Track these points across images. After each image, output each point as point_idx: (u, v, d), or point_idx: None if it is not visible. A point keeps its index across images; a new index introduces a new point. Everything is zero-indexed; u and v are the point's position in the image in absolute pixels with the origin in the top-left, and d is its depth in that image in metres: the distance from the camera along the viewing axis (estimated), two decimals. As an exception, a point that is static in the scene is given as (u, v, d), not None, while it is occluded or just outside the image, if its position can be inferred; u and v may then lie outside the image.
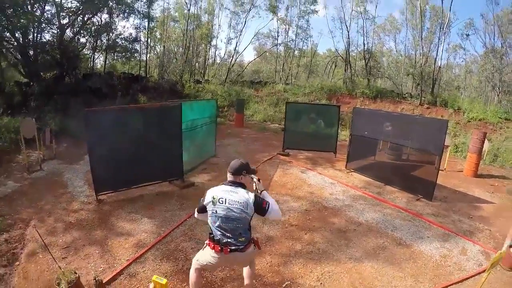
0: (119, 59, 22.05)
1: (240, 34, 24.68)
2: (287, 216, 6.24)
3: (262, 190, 3.16)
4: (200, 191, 7.06)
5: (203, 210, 3.05)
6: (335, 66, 25.55)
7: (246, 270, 3.54)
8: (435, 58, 19.83)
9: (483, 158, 12.94)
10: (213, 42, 25.95)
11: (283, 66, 24.68)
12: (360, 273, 4.75)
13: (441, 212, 7.61)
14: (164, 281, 1.98)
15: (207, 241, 3.09)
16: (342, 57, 23.43)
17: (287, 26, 24.54)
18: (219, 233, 2.94)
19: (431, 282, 4.78)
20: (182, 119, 7.13)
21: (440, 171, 10.64)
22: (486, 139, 13.05)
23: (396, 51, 23.83)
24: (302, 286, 4.30)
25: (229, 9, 24.49)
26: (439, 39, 19.72)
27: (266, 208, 2.94)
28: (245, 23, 24.41)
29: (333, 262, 4.95)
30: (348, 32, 21.97)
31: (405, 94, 19.49)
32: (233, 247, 2.94)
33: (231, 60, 24.83)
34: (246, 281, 3.57)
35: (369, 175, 9.11)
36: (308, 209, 6.79)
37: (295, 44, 25.05)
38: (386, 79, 23.38)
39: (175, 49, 24.80)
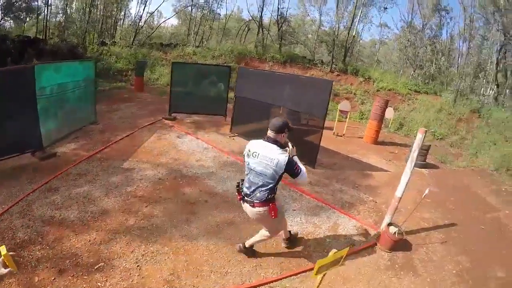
0: (15, 20, 18.82)
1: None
2: (134, 186, 5.29)
3: (294, 155, 3.11)
4: (61, 161, 6.10)
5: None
6: (248, 29, 24.12)
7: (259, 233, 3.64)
8: (350, 27, 19.63)
9: (388, 126, 12.82)
10: (128, 3, 23.07)
11: (198, 29, 22.74)
12: (190, 254, 3.88)
13: (321, 181, 6.33)
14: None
15: None
16: (255, 21, 22.30)
17: None
18: (247, 184, 3.19)
19: (277, 268, 3.82)
20: (46, 83, 6.34)
21: (338, 137, 10.14)
22: (391, 108, 12.72)
23: (319, 21, 22.95)
24: (115, 268, 3.54)
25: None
26: (354, 10, 19.46)
27: (298, 172, 3.00)
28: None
29: (163, 241, 4.07)
30: None
31: (316, 61, 18.79)
32: (246, 198, 3.20)
33: (139, 21, 22.04)
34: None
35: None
36: (163, 177, 5.75)
37: (209, 5, 23.11)
38: (303, 47, 22.91)
39: (80, 9, 21.07)
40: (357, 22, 19.70)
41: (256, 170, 3.06)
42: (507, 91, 14.55)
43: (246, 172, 3.22)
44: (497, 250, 5.22)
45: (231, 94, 9.40)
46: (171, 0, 29.98)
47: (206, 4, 22.67)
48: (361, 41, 25.27)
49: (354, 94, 15.77)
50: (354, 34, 19.83)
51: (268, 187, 3.07)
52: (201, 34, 22.61)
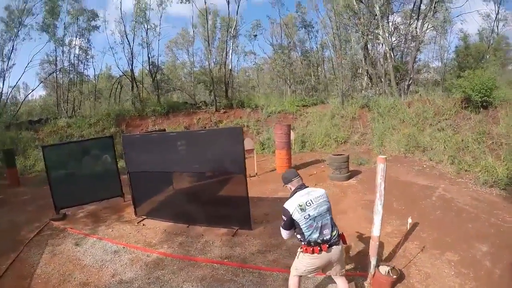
0: None
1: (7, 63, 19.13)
2: None
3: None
4: None
5: (291, 225, 3.29)
6: (121, 87, 22.97)
7: (341, 283, 3.58)
8: (225, 62, 20.56)
9: (292, 148, 12.93)
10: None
11: (67, 97, 20.60)
12: None
13: (269, 242, 5.53)
14: None
15: (301, 249, 3.35)
16: (126, 76, 21.38)
17: (64, 47, 20.41)
18: (317, 234, 3.22)
19: None
20: None
21: (252, 178, 9.59)
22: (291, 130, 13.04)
23: (190, 62, 24.09)
24: None
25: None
26: (226, 43, 20.57)
27: None
28: (12, 49, 18.94)
29: None
30: (131, 46, 20.14)
31: (199, 104, 19.00)
32: (331, 242, 3.26)
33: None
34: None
35: (167, 217, 7.09)
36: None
37: (74, 68, 21.15)
38: (183, 93, 22.96)
39: None
40: (230, 55, 20.71)
41: (321, 212, 3.25)
42: (379, 79, 16.55)
43: (308, 225, 3.22)
44: (464, 227, 5.57)
45: (122, 162, 8.46)
46: (34, 69, 27.21)
47: (72, 67, 20.86)
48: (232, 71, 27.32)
49: (247, 126, 15.93)
50: (231, 68, 20.69)
51: (333, 219, 3.39)
52: (72, 101, 20.81)
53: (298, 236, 3.29)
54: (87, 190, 8.25)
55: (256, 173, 10.12)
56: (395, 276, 3.93)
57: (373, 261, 4.15)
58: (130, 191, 7.42)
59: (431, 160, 9.41)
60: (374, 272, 4.06)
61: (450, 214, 6.14)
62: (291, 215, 3.19)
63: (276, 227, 5.86)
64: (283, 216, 3.29)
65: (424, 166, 9.24)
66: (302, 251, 3.31)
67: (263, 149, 14.04)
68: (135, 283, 4.73)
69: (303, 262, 3.34)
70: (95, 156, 8.59)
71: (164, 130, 12.83)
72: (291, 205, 3.21)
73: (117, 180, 8.53)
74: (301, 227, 3.19)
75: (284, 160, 10.22)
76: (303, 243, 3.26)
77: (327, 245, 3.21)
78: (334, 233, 3.28)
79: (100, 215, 7.93)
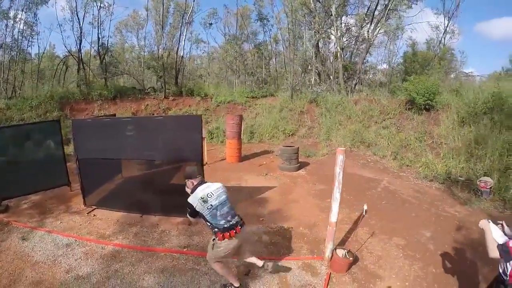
0: None
1: None
2: None
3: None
4: None
5: (195, 214, 3.69)
6: (67, 67, 21.14)
7: (252, 258, 4.09)
8: (177, 49, 20.24)
9: (241, 138, 13.04)
10: None
11: (7, 76, 18.23)
12: None
13: None
14: None
15: (215, 237, 3.67)
16: (73, 56, 19.73)
17: (8, 21, 17.97)
18: (223, 220, 3.63)
19: None
20: None
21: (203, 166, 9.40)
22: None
23: (139, 46, 23.07)
24: None
25: None
26: (180, 30, 20.13)
27: None
28: None
29: None
30: (80, 25, 18.57)
31: (148, 89, 18.68)
32: (240, 224, 3.75)
33: None
34: (258, 263, 4.04)
35: (119, 207, 6.73)
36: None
37: (17, 44, 18.70)
38: (130, 77, 22.11)
39: None
40: (183, 42, 20.23)
41: (222, 202, 3.67)
42: (328, 76, 17.22)
43: (212, 214, 3.61)
44: (408, 216, 6.13)
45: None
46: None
47: (15, 43, 18.81)
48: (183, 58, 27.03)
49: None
50: (182, 55, 20.26)
51: (232, 206, 3.82)
52: (12, 81, 18.70)
53: (208, 224, 3.67)
54: (31, 179, 7.61)
55: (206, 162, 9.96)
56: (351, 258, 4.22)
57: (330, 245, 4.38)
58: (79, 179, 6.95)
59: (375, 155, 10.03)
60: (332, 255, 4.29)
61: (395, 204, 6.66)
62: (195, 207, 3.60)
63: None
64: (188, 208, 3.68)
65: (369, 160, 9.82)
66: (217, 239, 3.64)
67: (212, 138, 13.92)
68: (92, 278, 4.44)
69: (221, 249, 3.69)
70: (40, 141, 7.91)
71: (114, 115, 12.11)
72: (194, 200, 3.62)
73: (64, 167, 7.92)
74: (206, 216, 3.60)
75: (234, 150, 10.29)
76: (216, 230, 3.62)
77: (239, 227, 3.69)
78: (237, 216, 3.78)
79: (46, 205, 7.31)
